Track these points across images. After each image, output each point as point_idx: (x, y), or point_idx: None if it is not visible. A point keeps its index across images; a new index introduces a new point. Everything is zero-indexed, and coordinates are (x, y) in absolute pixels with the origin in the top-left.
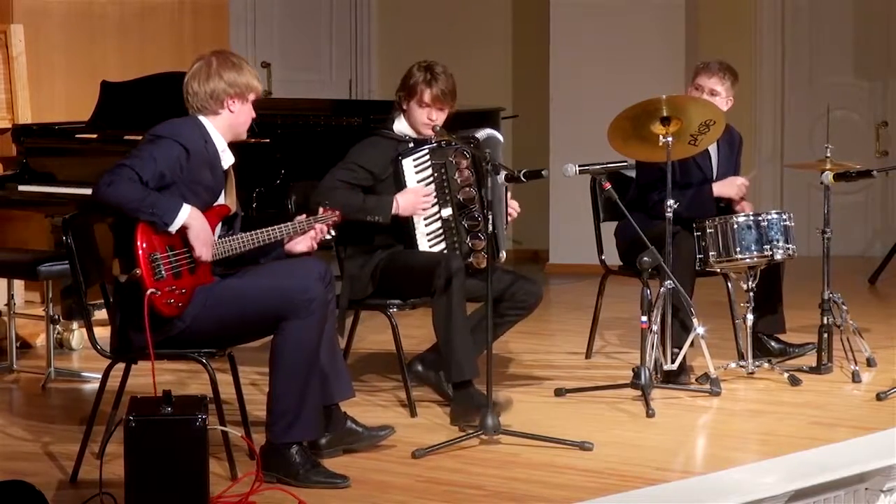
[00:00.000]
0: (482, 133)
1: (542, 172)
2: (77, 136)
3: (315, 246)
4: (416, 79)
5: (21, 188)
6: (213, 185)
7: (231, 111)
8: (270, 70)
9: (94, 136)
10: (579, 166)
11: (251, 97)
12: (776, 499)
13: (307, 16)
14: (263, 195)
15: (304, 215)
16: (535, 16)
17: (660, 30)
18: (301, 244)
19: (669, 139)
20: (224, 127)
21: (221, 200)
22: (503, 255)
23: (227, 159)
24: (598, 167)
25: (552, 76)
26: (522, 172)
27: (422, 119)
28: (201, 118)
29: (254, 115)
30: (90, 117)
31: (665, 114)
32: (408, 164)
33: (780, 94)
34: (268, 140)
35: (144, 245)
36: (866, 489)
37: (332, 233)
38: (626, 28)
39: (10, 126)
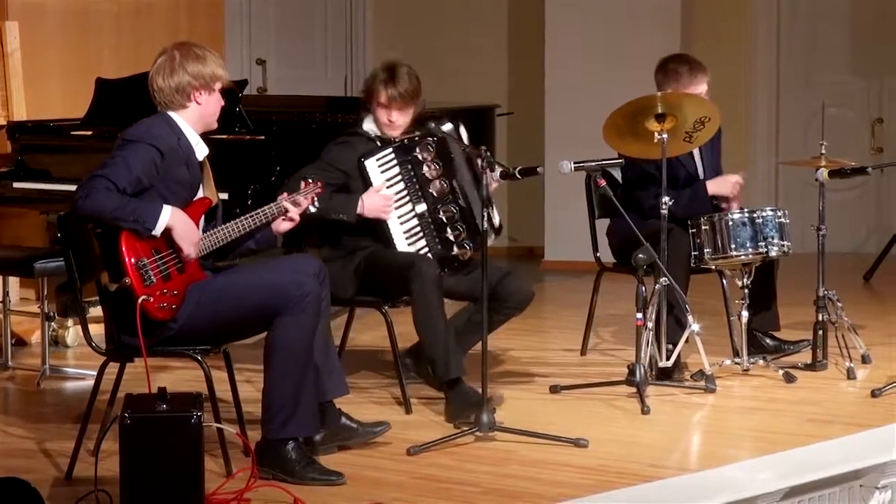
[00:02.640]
0: (447, 126)
1: (538, 169)
2: (72, 132)
3: (297, 218)
4: (376, 80)
5: (16, 185)
6: (191, 181)
7: (199, 103)
8: (266, 67)
9: (90, 133)
10: (574, 163)
11: (217, 87)
12: (771, 495)
13: (303, 13)
14: (258, 192)
15: (286, 193)
16: (530, 13)
17: (655, 26)
18: (285, 221)
19: (664, 136)
20: (194, 120)
21: (200, 193)
22: (497, 222)
23: (201, 151)
24: (593, 164)
25: (547, 73)
26: (518, 169)
27: (382, 119)
28: (171, 114)
29: (223, 103)
30: (85, 114)
31: (660, 111)
32: (371, 165)
33: (776, 90)
34: (263, 137)
35: (130, 253)
36: (861, 486)
37: (316, 205)
38: (621, 25)
39: (4, 123)
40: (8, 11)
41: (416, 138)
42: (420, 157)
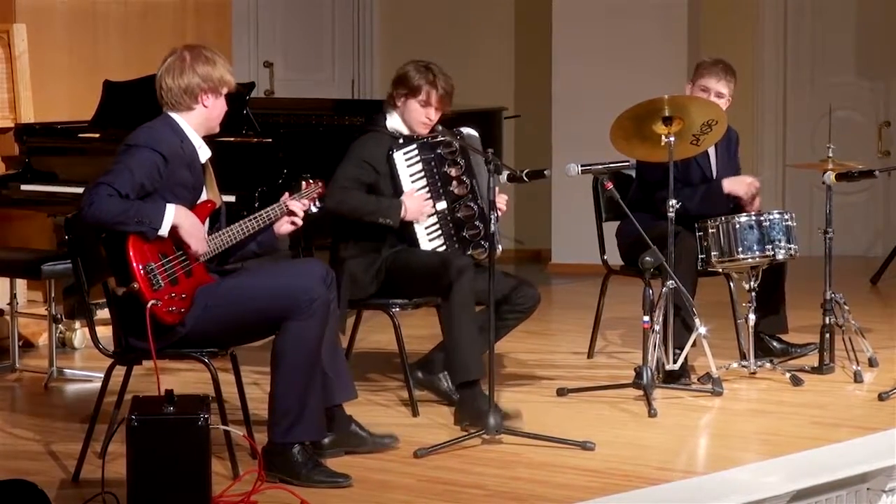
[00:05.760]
0: (465, 130)
1: (545, 172)
2: (80, 135)
3: (300, 223)
4: (420, 80)
5: (24, 187)
6: (194, 183)
7: (205, 106)
8: (273, 70)
9: (97, 135)
10: (581, 166)
11: (224, 91)
12: (778, 499)
13: (310, 15)
14: (266, 195)
15: (287, 193)
16: (537, 15)
17: (662, 29)
18: (287, 223)
19: (671, 139)
20: (198, 122)
21: (203, 196)
22: (499, 248)
23: (204, 154)
24: (600, 167)
25: (554, 76)
26: (525, 172)
27: (420, 118)
28: (174, 116)
29: (226, 108)
30: (93, 116)
31: (667, 113)
32: (399, 158)
33: (783, 93)
34: (270, 140)
35: (138, 258)
36: (868, 489)
37: (318, 205)
38: (628, 28)
39: (12, 125)
40: (15, 14)
41: (441, 137)
42: (444, 154)
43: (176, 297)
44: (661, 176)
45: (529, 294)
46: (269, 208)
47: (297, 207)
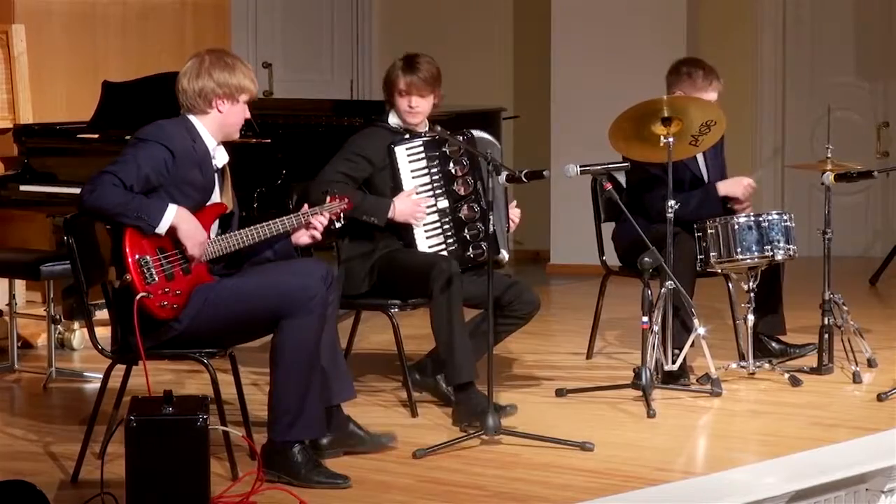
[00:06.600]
0: (478, 132)
1: (543, 173)
2: (78, 136)
3: (319, 237)
4: (393, 73)
5: (22, 188)
6: (204, 185)
7: (220, 111)
8: (272, 70)
9: (96, 136)
10: (580, 167)
11: (242, 98)
12: (777, 499)
13: (309, 16)
14: (265, 195)
15: (306, 206)
16: (536, 16)
17: (661, 30)
18: (305, 235)
19: (670, 140)
20: (213, 126)
21: (217, 199)
22: (504, 254)
23: (221, 158)
24: (599, 168)
25: (553, 76)
26: (523, 173)
27: (403, 107)
28: (190, 117)
29: (247, 115)
30: (91, 117)
31: (666, 114)
32: (401, 152)
33: (781, 94)
34: (269, 140)
35: (133, 250)
36: (867, 490)
37: (342, 221)
38: (627, 29)
39: (11, 126)
40: (14, 14)
41: (448, 135)
42: (448, 153)
43: (170, 293)
44: (644, 177)
45: (527, 300)
46: (286, 217)
47: (317, 222)
